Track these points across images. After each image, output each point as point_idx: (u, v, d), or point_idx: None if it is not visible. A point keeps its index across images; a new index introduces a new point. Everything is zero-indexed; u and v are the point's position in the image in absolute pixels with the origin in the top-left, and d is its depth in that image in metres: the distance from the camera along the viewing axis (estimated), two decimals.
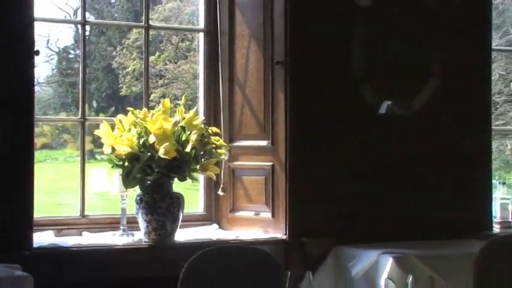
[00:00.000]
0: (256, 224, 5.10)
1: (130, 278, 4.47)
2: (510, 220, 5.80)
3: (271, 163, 5.07)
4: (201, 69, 5.38)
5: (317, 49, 5.06)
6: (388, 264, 4.67)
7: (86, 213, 4.97)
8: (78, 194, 4.97)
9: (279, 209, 5.02)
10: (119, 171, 4.59)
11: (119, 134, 4.55)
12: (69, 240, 4.62)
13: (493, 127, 5.78)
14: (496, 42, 6.07)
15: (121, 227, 4.79)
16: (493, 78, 5.85)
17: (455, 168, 5.45)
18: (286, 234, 4.97)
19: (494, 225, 5.64)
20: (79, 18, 5.17)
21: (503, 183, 6.00)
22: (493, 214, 5.65)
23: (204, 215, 5.30)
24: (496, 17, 6.16)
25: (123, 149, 4.47)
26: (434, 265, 4.68)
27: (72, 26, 12.83)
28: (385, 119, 5.26)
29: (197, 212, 5.30)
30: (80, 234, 4.83)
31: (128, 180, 4.52)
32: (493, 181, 5.74)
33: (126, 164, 4.50)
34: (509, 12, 7.48)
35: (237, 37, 5.21)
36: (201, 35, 5.36)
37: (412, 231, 5.14)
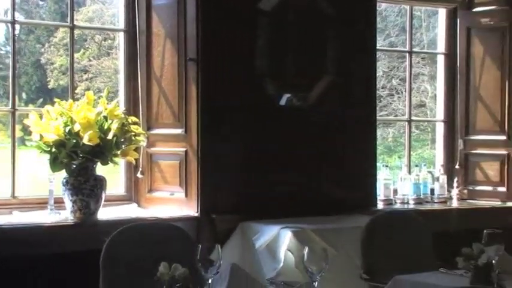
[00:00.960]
0: (171, 203, 5.08)
1: (57, 252, 4.42)
2: (392, 198, 5.91)
3: (185, 149, 5.06)
4: (121, 65, 5.32)
5: (225, 47, 5.07)
6: (287, 238, 4.70)
7: (16, 194, 4.86)
8: (9, 176, 4.87)
9: (191, 190, 5.02)
10: (47, 156, 4.52)
11: (47, 123, 4.48)
12: (0, 219, 4.53)
13: (377, 117, 5.86)
14: (380, 43, 6.15)
15: (49, 207, 4.72)
16: (377, 74, 5.93)
17: (345, 153, 5.53)
18: (197, 211, 4.97)
19: (378, 202, 5.73)
20: (9, 18, 5.03)
21: (386, 166, 6.10)
22: (377, 193, 5.75)
23: (124, 196, 5.26)
24: (380, 22, 6.24)
25: (51, 137, 4.41)
26: (327, 237, 4.73)
27: (3, 25, 12.57)
28: (285, 110, 5.30)
29: (118, 192, 5.25)
30: (10, 214, 4.73)
31: (55, 165, 4.47)
32: (377, 164, 5.83)
33: (54, 150, 4.45)
34: (390, 18, 7.60)
35: (154, 36, 5.18)
36: (122, 35, 5.30)
37: (308, 209, 5.20)
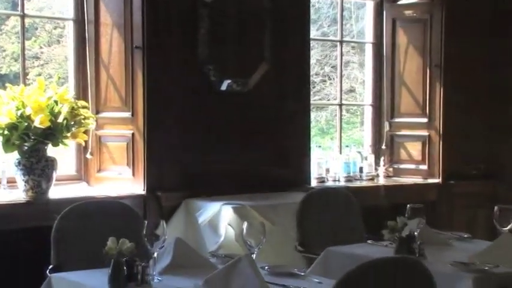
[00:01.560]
0: (119, 182, 5.04)
1: (11, 229, 4.35)
2: (324, 176, 5.96)
3: (132, 131, 5.02)
4: (71, 52, 5.24)
5: (169, 36, 5.04)
6: (228, 213, 4.71)
7: None
8: None
9: (138, 169, 4.98)
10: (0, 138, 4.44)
11: None
12: None
13: (311, 102, 5.89)
14: (313, 33, 6.17)
15: (1, 186, 4.66)
16: (311, 62, 5.96)
17: (282, 134, 5.55)
18: (144, 190, 4.93)
19: (312, 180, 5.77)
20: None
21: (319, 147, 6.14)
22: (311, 171, 5.78)
23: (74, 175, 5.19)
24: (313, 13, 6.26)
25: (3, 120, 4.33)
26: (265, 213, 4.75)
27: None
28: (226, 95, 5.28)
29: (69, 172, 5.18)
30: None
31: (7, 146, 4.41)
32: (311, 145, 5.86)
33: (6, 132, 4.37)
34: (323, 9, 7.62)
35: (102, 25, 5.11)
36: (71, 23, 5.21)
37: (247, 186, 5.22)
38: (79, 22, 5.16)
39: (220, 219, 4.75)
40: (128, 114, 5.04)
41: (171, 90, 5.03)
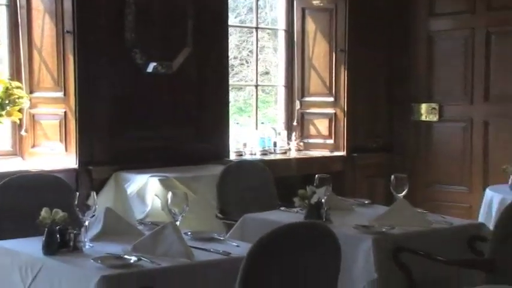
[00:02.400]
0: (53, 157, 4.94)
1: None
2: (242, 150, 5.97)
3: (64, 110, 4.94)
4: (5, 36, 5.07)
5: (99, 21, 4.96)
6: (154, 185, 4.69)
7: None
8: None
9: (70, 145, 4.91)
10: None
11: None
12: None
13: (230, 83, 5.87)
14: (232, 20, 6.15)
15: None
16: (230, 47, 5.94)
17: (203, 113, 5.53)
18: (76, 164, 4.86)
19: (230, 154, 5.77)
20: None
21: (237, 124, 6.14)
22: (230, 146, 5.79)
23: (10, 151, 5.05)
24: (231, 2, 6.23)
25: None
26: (188, 184, 4.74)
27: None
28: (152, 76, 5.23)
29: (4, 148, 5.04)
30: None
31: None
32: (230, 122, 5.86)
33: None
34: None
35: (34, 11, 4.97)
36: (4, 9, 5.04)
37: (172, 160, 5.19)
38: (12, 8, 5.01)
39: (147, 190, 4.72)
40: (60, 94, 4.94)
41: (100, 72, 4.96)
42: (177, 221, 2.94)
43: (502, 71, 5.99)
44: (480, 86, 6.12)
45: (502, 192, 4.46)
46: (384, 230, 3.34)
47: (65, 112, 4.92)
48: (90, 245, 2.88)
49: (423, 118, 6.45)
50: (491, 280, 3.05)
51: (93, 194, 2.89)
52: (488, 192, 4.62)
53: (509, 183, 4.55)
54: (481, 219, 4.44)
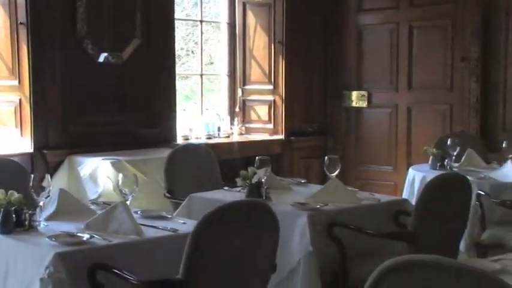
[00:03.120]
0: (9, 142, 4.81)
1: None
2: (188, 135, 5.94)
3: (19, 97, 4.83)
4: None
5: (51, 13, 4.84)
6: (106, 167, 4.63)
7: None
8: None
9: (25, 130, 4.81)
10: None
11: None
12: None
13: (177, 72, 5.81)
14: (178, 14, 6.08)
15: None
16: (177, 38, 5.87)
17: (152, 100, 5.47)
18: (31, 148, 4.77)
19: (178, 138, 5.73)
20: None
21: (184, 110, 6.08)
22: (177, 131, 5.74)
23: None
24: None
25: None
26: (138, 166, 4.69)
27: None
28: (103, 66, 5.14)
29: None
30: None
31: None
32: (177, 109, 5.81)
33: None
34: None
35: None
36: None
37: (123, 144, 5.14)
38: None
39: (99, 172, 4.65)
40: (15, 83, 4.82)
41: (54, 61, 4.87)
42: (127, 200, 2.90)
43: (423, 62, 6.11)
44: (404, 75, 6.22)
45: (423, 171, 4.54)
46: (318, 206, 3.36)
47: (20, 99, 4.82)
48: (45, 224, 2.82)
49: (353, 104, 6.53)
50: (413, 250, 3.11)
51: (48, 176, 2.83)
52: (411, 171, 4.71)
53: (429, 162, 4.65)
54: (404, 195, 4.52)
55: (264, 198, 3.47)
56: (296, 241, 3.24)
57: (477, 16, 5.66)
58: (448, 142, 4.62)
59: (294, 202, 3.42)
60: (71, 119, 4.96)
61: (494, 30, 5.65)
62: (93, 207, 3.23)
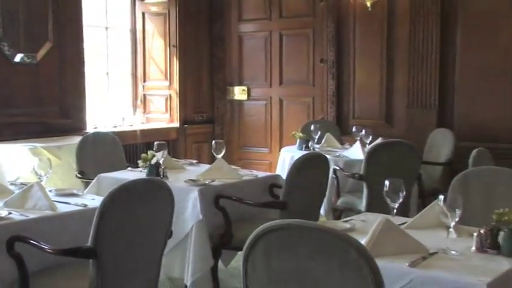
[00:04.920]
0: None
1: None
2: (96, 124, 5.75)
3: None
4: None
5: None
6: (24, 152, 4.40)
7: None
8: None
9: None
10: None
11: None
12: None
13: (85, 71, 5.59)
14: (86, 21, 5.84)
15: None
16: (85, 41, 5.65)
17: (65, 95, 5.26)
18: None
19: (88, 127, 5.52)
20: None
21: (93, 103, 5.86)
22: (87, 121, 5.52)
23: None
24: (86, 5, 5.90)
25: None
26: (53, 151, 4.50)
27: None
28: (19, 66, 4.88)
29: None
30: None
31: None
32: (87, 103, 5.60)
33: None
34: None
35: None
36: None
37: (40, 133, 4.93)
38: None
39: (18, 157, 4.41)
40: None
41: None
42: (42, 181, 2.79)
43: (291, 63, 6.26)
44: (276, 73, 6.35)
45: (292, 151, 4.66)
46: (207, 182, 3.38)
47: None
48: None
49: (236, 97, 6.58)
50: (284, 216, 3.19)
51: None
52: (283, 152, 4.82)
53: (297, 144, 4.78)
54: (277, 172, 4.61)
55: (161, 176, 3.45)
56: (189, 211, 3.25)
57: (332, 27, 5.87)
58: (311, 128, 4.77)
59: (187, 179, 3.42)
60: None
61: (345, 38, 5.88)
62: (11, 187, 3.07)
